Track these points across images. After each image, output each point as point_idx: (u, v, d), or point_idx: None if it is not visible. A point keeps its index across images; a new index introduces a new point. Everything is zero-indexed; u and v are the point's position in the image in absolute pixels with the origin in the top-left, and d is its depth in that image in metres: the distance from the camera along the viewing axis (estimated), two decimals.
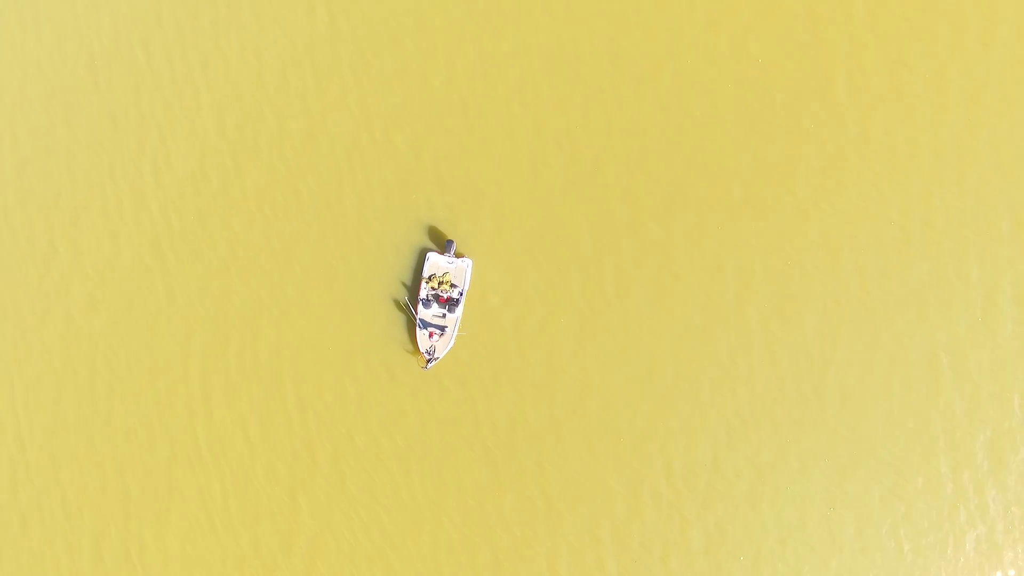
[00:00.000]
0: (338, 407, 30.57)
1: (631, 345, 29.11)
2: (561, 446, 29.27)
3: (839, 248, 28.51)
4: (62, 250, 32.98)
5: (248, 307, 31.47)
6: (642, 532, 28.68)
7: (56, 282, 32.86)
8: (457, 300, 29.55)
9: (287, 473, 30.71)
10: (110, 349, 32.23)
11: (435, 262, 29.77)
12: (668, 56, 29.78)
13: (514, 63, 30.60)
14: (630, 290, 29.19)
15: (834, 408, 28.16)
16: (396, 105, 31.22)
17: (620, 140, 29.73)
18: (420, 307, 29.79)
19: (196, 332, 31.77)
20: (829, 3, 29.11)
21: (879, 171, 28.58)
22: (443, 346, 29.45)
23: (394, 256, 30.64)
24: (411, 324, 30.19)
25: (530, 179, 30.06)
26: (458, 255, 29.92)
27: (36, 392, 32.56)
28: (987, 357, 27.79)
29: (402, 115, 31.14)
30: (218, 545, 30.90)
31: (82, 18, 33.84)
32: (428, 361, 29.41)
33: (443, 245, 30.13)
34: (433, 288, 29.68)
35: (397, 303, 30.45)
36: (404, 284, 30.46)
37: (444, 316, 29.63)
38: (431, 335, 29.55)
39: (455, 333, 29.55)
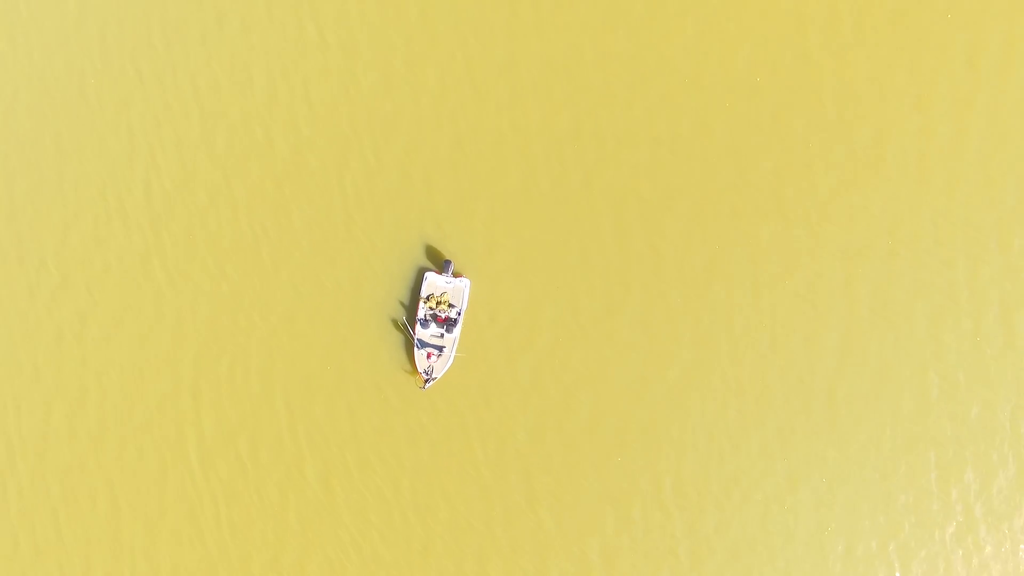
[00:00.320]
0: (330, 425, 30.54)
1: (622, 364, 29.28)
2: (551, 464, 29.41)
3: (828, 264, 28.79)
4: (52, 267, 32.63)
5: (240, 326, 31.32)
6: (631, 549, 28.94)
7: (47, 299, 32.54)
8: (455, 320, 29.57)
9: (278, 491, 30.66)
10: (101, 366, 31.98)
11: (433, 282, 29.75)
12: (657, 73, 29.92)
13: (505, 81, 30.61)
14: (621, 310, 29.37)
15: (823, 425, 28.51)
16: (389, 122, 31.15)
17: (611, 158, 29.87)
18: (418, 327, 29.78)
19: (187, 350, 31.58)
20: (819, 23, 29.34)
21: (867, 187, 28.87)
22: (441, 366, 29.47)
23: (391, 276, 30.60)
24: (409, 344, 30.19)
25: (524, 199, 30.14)
26: (456, 275, 29.92)
27: (27, 409, 32.27)
28: (976, 374, 28.24)
29: (394, 133, 31.07)
30: (208, 562, 30.81)
31: (72, 35, 33.45)
32: (426, 381, 29.43)
33: (441, 265, 30.11)
34: (431, 308, 29.68)
35: (395, 323, 30.43)
36: (402, 304, 30.45)
37: (442, 336, 29.64)
38: (429, 356, 29.56)
39: (453, 353, 29.57)
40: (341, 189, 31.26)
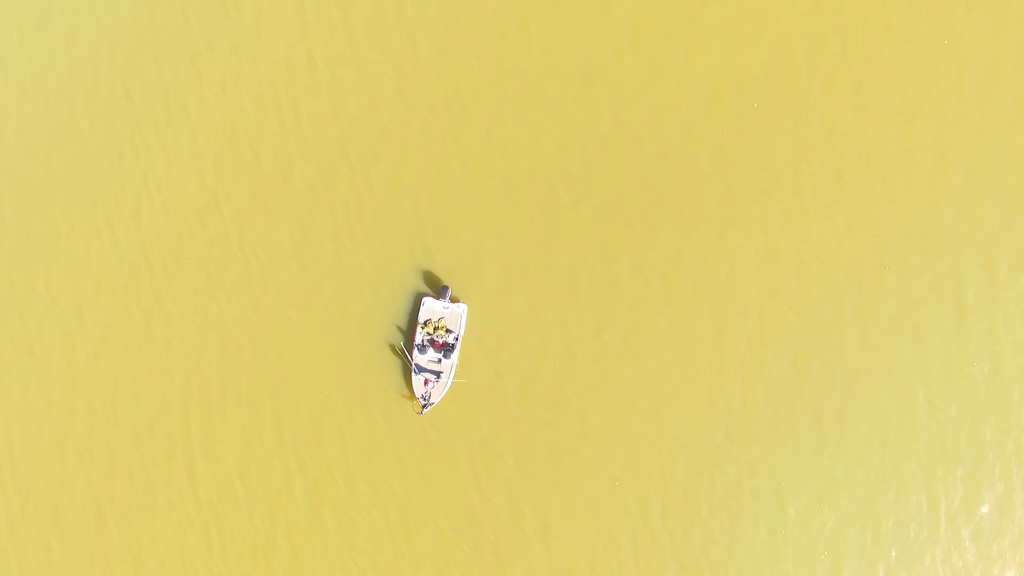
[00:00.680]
0: (321, 449, 30.45)
1: (612, 390, 29.44)
2: (541, 490, 29.48)
3: (818, 285, 29.11)
4: (43, 288, 32.35)
5: (230, 349, 31.19)
6: (620, 571, 29.12)
7: (37, 320, 32.27)
8: (452, 345, 29.61)
9: (269, 514, 30.53)
10: (91, 388, 31.73)
11: (430, 307, 29.78)
12: (646, 94, 30.14)
13: (493, 104, 30.75)
14: (610, 332, 29.53)
15: (812, 445, 28.77)
16: (379, 145, 31.17)
17: (600, 181, 30.04)
18: (416, 352, 29.78)
19: (178, 372, 31.41)
20: (807, 49, 29.69)
21: (856, 209, 29.21)
22: (438, 392, 29.50)
23: (389, 301, 30.59)
24: (407, 369, 30.20)
25: (516, 221, 30.23)
26: (453, 300, 29.98)
27: (17, 430, 31.97)
28: (964, 395, 28.59)
29: (384, 155, 31.10)
30: None
31: (63, 57, 33.21)
32: (423, 407, 29.44)
33: (438, 290, 30.17)
34: (429, 333, 29.72)
35: (393, 348, 30.42)
36: (400, 329, 30.46)
37: (439, 361, 29.67)
38: (426, 381, 29.58)
39: (451, 379, 29.64)
40: (331, 212, 31.23)
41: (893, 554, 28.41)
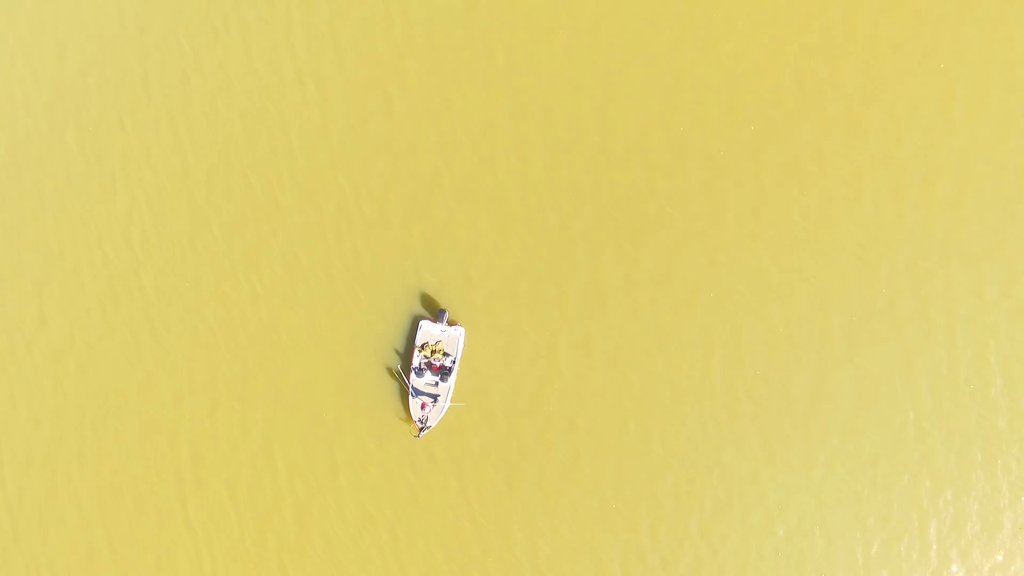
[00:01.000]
0: (326, 474, 30.54)
1: (619, 414, 29.68)
2: (548, 514, 29.64)
3: (807, 304, 29.40)
4: (34, 313, 32.35)
5: (223, 373, 31.26)
6: None
7: (28, 344, 32.25)
8: (450, 369, 29.79)
9: (275, 540, 30.55)
10: (98, 416, 31.75)
11: (428, 330, 29.97)
12: (634, 116, 30.46)
13: (484, 127, 31.02)
14: (618, 360, 29.81)
15: (802, 465, 29.01)
16: (372, 169, 31.38)
17: (608, 208, 30.33)
18: (413, 375, 29.93)
19: (172, 396, 31.45)
20: (816, 72, 30.09)
21: (844, 228, 29.53)
22: (436, 415, 29.67)
23: (386, 324, 30.76)
24: (404, 392, 30.37)
25: (520, 248, 30.47)
26: (451, 323, 30.20)
27: (24, 459, 31.92)
28: (953, 416, 28.88)
29: (378, 179, 31.30)
30: None
31: (54, 81, 33.31)
32: (420, 430, 29.58)
33: (436, 313, 30.38)
34: (426, 356, 29.89)
35: (390, 371, 30.58)
36: (397, 352, 30.63)
37: (437, 384, 29.83)
38: (423, 406, 29.73)
39: (448, 402, 29.83)
40: (323, 233, 31.38)
41: (884, 574, 28.72)
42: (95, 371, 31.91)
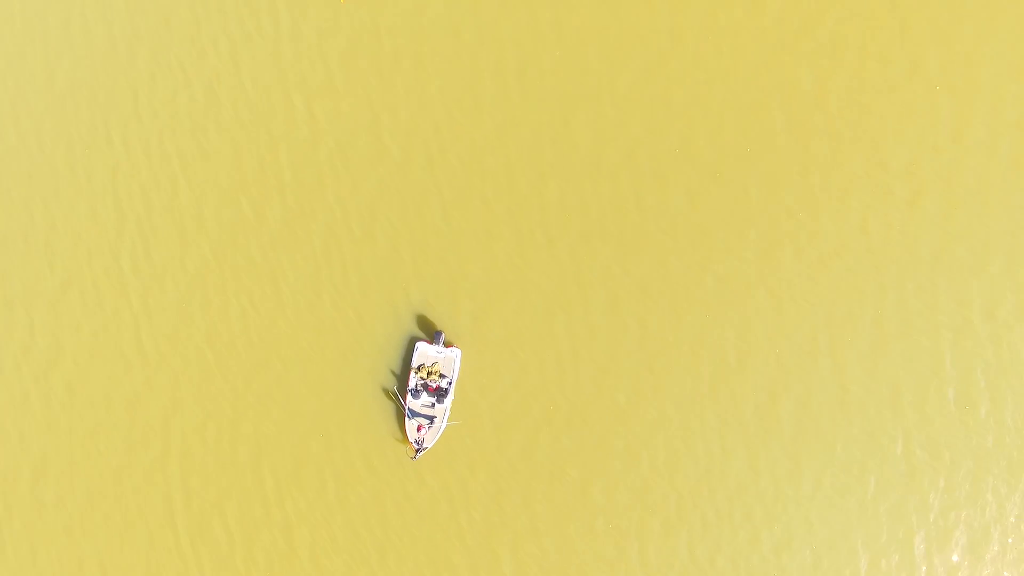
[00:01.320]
0: (305, 495, 30.50)
1: (608, 434, 29.88)
2: (538, 535, 29.76)
3: (814, 335, 29.70)
4: (39, 335, 32.06)
5: (225, 394, 31.15)
6: None
7: (33, 367, 32.01)
8: (446, 390, 29.83)
9: (265, 560, 30.48)
10: (88, 435, 31.51)
11: (424, 352, 29.99)
12: (623, 139, 30.66)
13: (491, 152, 31.12)
14: (606, 381, 29.99)
15: (790, 485, 29.31)
16: (374, 193, 31.37)
17: (595, 227, 30.49)
18: (409, 397, 29.95)
19: (174, 418, 31.28)
20: (803, 98, 30.43)
21: (831, 248, 29.84)
22: (432, 436, 29.70)
23: (382, 345, 30.74)
24: (400, 413, 30.36)
25: (510, 268, 30.56)
26: (447, 345, 30.24)
27: (14, 478, 31.59)
28: (940, 435, 29.25)
29: (380, 203, 31.29)
30: None
31: (60, 105, 33.10)
32: (417, 451, 29.62)
33: (432, 335, 30.40)
34: (422, 378, 29.90)
35: (386, 392, 30.57)
36: (393, 373, 30.62)
37: (433, 406, 29.86)
38: (419, 428, 29.74)
39: (444, 423, 29.86)
40: (314, 256, 31.36)
41: None
42: (99, 397, 31.76)
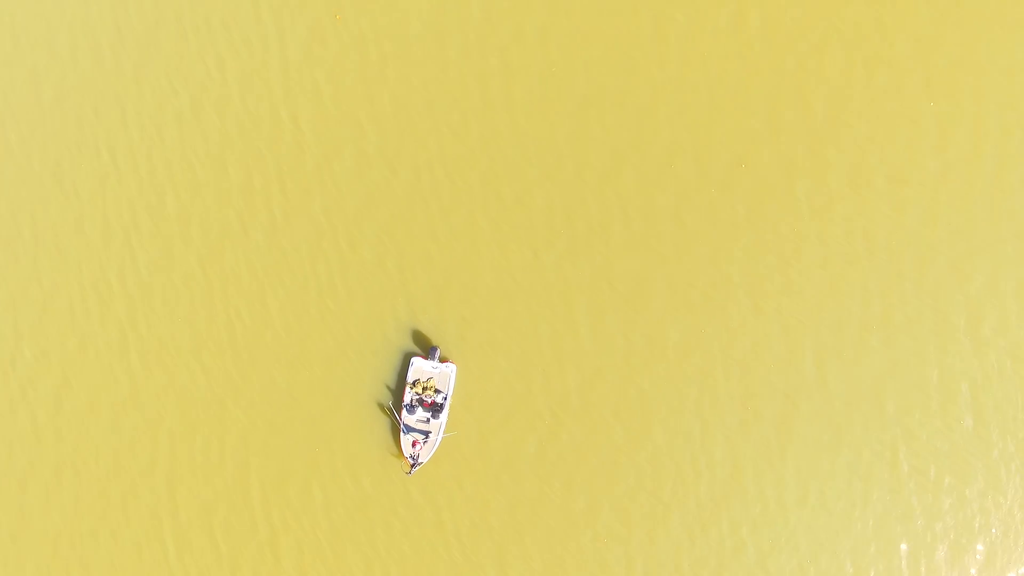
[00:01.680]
0: (306, 510, 30.43)
1: (594, 448, 30.00)
2: (524, 549, 29.90)
3: (799, 347, 29.98)
4: (27, 349, 31.67)
5: (214, 410, 31.00)
6: None
7: (21, 380, 31.64)
8: (441, 405, 29.87)
9: (252, 574, 30.39)
10: (75, 449, 31.23)
11: (419, 367, 29.99)
12: (631, 155, 30.75)
13: (477, 165, 31.09)
14: (592, 395, 30.13)
15: (793, 505, 29.62)
16: (363, 208, 31.28)
17: (581, 241, 30.59)
18: (404, 412, 29.95)
19: (162, 432, 31.08)
20: (790, 106, 30.71)
21: (838, 267, 30.11)
22: (427, 451, 29.73)
23: (378, 360, 30.70)
24: (395, 428, 30.35)
25: (501, 283, 30.60)
26: (443, 360, 30.26)
27: (1, 490, 31.33)
28: (945, 452, 29.56)
29: (368, 218, 31.21)
30: None
31: (48, 120, 32.68)
32: (412, 467, 29.65)
33: (428, 350, 30.42)
34: (418, 393, 29.92)
35: (381, 407, 30.54)
36: (388, 388, 30.59)
37: (428, 421, 29.89)
38: (415, 443, 29.76)
39: (439, 439, 29.90)
40: (315, 272, 31.24)
41: None
42: (87, 410, 31.46)
